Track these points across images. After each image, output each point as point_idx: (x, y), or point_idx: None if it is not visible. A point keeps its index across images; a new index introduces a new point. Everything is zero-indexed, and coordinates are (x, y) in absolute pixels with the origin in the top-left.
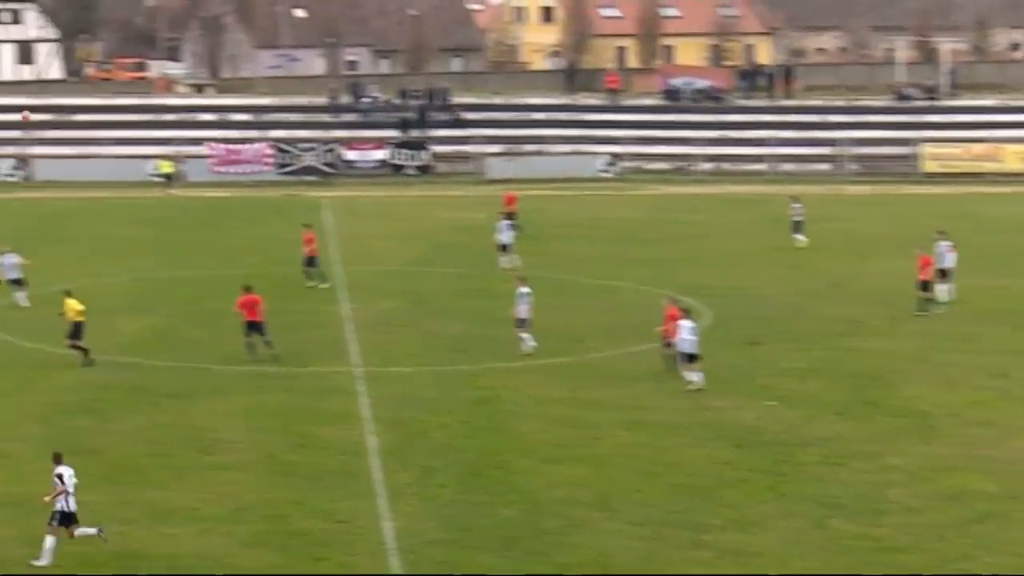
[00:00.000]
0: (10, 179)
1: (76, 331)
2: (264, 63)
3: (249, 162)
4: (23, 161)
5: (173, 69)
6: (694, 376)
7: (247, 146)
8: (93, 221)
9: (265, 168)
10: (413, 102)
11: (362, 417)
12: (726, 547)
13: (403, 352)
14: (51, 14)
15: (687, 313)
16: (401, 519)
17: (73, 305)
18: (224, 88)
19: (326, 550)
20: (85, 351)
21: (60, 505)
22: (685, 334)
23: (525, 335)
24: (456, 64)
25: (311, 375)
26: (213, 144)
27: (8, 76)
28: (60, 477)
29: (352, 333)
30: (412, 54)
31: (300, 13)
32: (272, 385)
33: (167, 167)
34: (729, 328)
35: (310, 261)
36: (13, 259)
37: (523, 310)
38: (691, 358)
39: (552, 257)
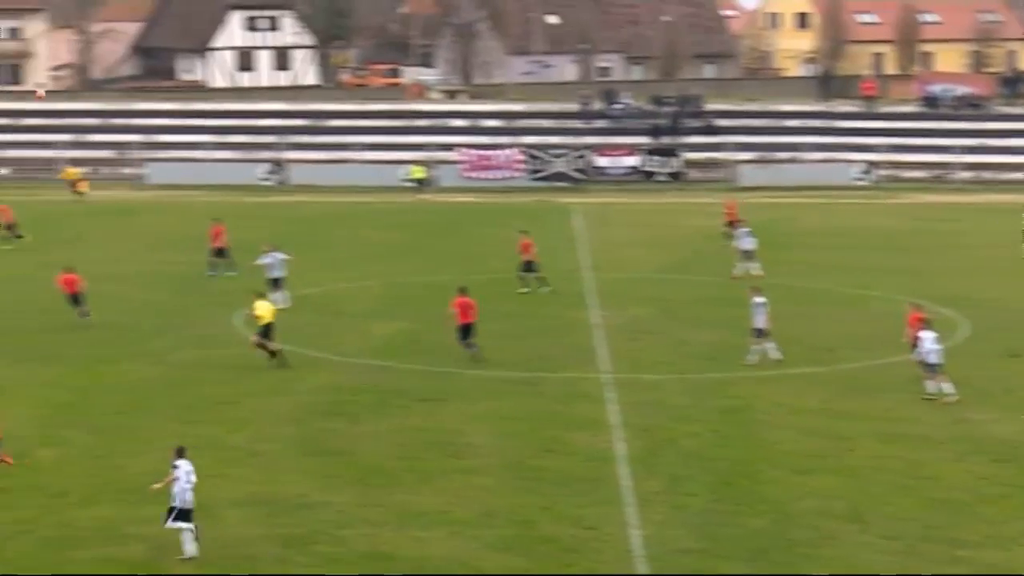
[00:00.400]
0: (266, 183)
1: (266, 332)
2: (516, 69)
3: (500, 168)
4: (279, 165)
5: (426, 75)
6: (945, 386)
7: (498, 152)
8: (346, 225)
9: (516, 174)
10: (665, 109)
11: (610, 424)
12: (983, 564)
13: (653, 359)
14: (307, 21)
15: (929, 323)
16: (649, 527)
17: (266, 306)
18: (476, 94)
19: (573, 556)
20: (273, 353)
21: (178, 501)
22: (928, 344)
23: (765, 345)
24: (709, 71)
25: (559, 380)
26: (465, 150)
27: (265, 82)
28: (174, 468)
29: (601, 339)
30: (665, 60)
31: (553, 19)
32: (521, 390)
33: (419, 172)
34: (988, 340)
35: (527, 266)
36: (277, 256)
37: (761, 320)
38: (935, 368)
39: (804, 266)
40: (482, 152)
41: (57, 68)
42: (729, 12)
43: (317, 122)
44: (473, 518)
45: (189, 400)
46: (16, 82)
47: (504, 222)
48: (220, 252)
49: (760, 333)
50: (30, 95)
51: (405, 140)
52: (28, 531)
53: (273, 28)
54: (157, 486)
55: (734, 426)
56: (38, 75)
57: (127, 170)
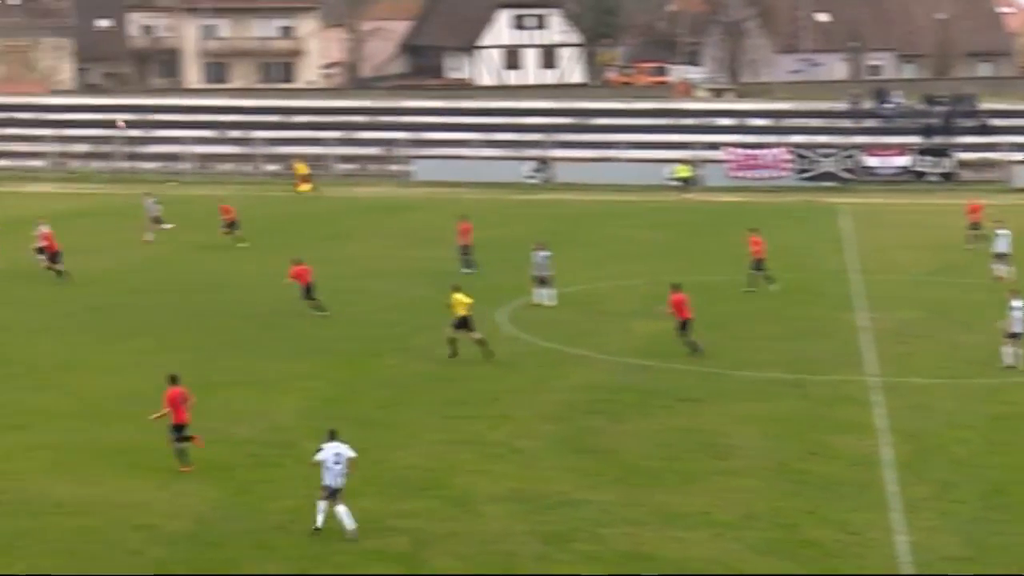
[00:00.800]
0: (531, 181)
1: (463, 324)
2: (785, 68)
3: (767, 167)
4: (544, 163)
5: (693, 74)
6: None
7: (765, 151)
8: (610, 224)
9: (783, 173)
10: (938, 108)
11: (876, 428)
12: None
13: (921, 363)
14: (575, 19)
15: None
16: (916, 533)
17: (461, 299)
18: (743, 93)
19: (837, 561)
20: (481, 341)
21: (328, 480)
22: None
23: (1008, 349)
24: (984, 69)
25: (825, 383)
26: (731, 149)
27: (531, 80)
28: (319, 451)
29: (868, 342)
30: (938, 59)
31: (823, 17)
32: (785, 392)
33: (684, 171)
34: None
35: (757, 265)
36: (543, 254)
37: (1018, 324)
38: None
39: None
40: (749, 151)
41: (327, 66)
42: (1005, 9)
43: (583, 120)
44: (735, 520)
45: (451, 395)
46: (288, 80)
47: (770, 222)
48: (465, 249)
49: (1015, 337)
50: (302, 93)
51: (671, 139)
52: (295, 522)
53: (540, 26)
54: (314, 460)
55: (1006, 432)
56: (309, 73)
57: (394, 167)
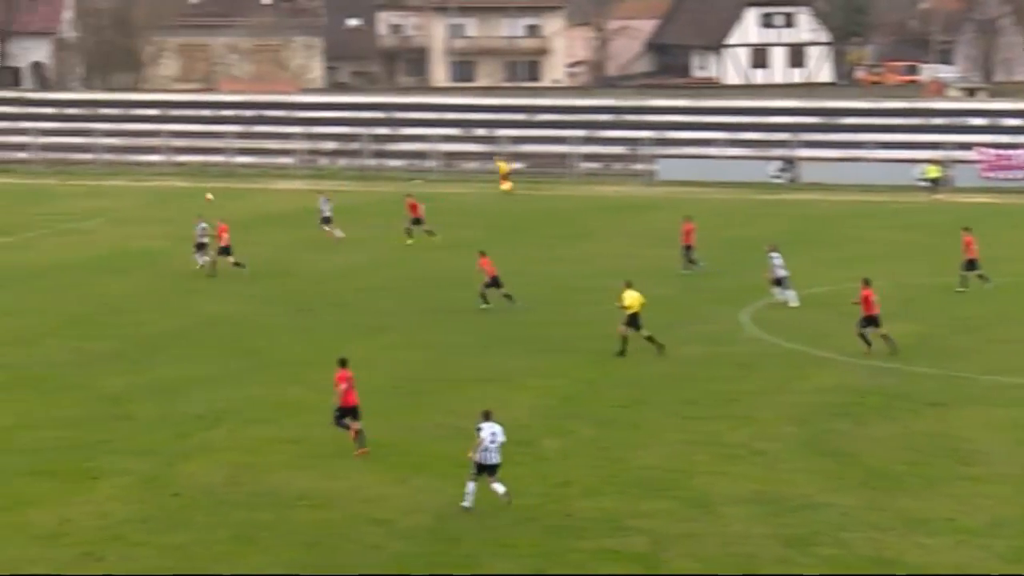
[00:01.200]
0: (776, 180)
1: (632, 321)
2: None
3: (1021, 168)
4: (790, 163)
5: (945, 72)
6: None
7: (1019, 151)
8: (856, 224)
9: None
10: None
11: None
12: None
13: None
14: (824, 18)
15: None
16: None
17: (633, 296)
18: (997, 92)
19: None
20: (652, 339)
21: (479, 457)
22: None
23: None
24: None
25: None
26: (983, 149)
27: (778, 79)
28: (478, 431)
29: None
30: None
31: None
32: None
33: (934, 172)
34: None
35: (969, 264)
36: (775, 256)
37: None
38: None
39: None
40: (1002, 152)
41: (573, 65)
42: None
43: (830, 120)
44: (981, 527)
45: (692, 395)
46: (534, 79)
47: (1022, 224)
48: (689, 249)
49: None
50: (547, 91)
51: (921, 139)
52: (533, 519)
53: (789, 25)
54: (471, 455)
55: None
56: (555, 72)
57: (638, 166)
